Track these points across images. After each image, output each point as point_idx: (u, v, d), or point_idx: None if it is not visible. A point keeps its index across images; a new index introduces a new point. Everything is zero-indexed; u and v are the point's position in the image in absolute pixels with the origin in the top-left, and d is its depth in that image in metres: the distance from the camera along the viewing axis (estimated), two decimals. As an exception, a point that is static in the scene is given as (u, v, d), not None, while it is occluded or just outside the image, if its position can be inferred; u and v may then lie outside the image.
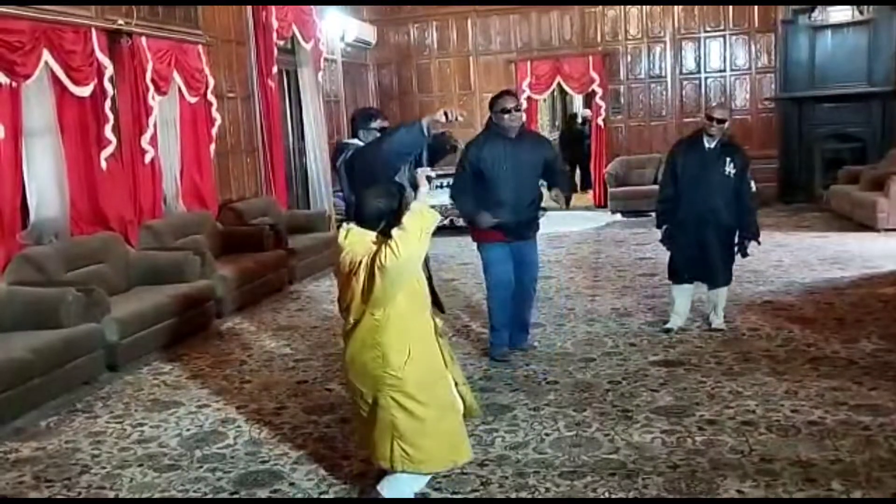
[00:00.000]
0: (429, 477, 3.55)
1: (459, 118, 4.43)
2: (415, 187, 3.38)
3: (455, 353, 5.55)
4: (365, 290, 3.21)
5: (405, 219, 3.25)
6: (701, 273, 5.84)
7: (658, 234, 6.08)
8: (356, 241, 3.33)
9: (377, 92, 13.73)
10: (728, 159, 5.62)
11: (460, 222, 10.74)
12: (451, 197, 5.55)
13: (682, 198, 5.74)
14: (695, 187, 5.65)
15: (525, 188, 5.30)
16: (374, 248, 3.21)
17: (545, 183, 5.57)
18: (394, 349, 3.27)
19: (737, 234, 5.79)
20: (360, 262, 3.22)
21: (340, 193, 11.38)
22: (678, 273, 5.92)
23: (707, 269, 5.78)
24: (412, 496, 3.51)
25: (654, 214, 6.34)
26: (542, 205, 5.54)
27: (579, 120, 16.16)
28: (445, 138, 4.97)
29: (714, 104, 5.94)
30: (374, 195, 3.44)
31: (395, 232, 3.20)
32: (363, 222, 3.40)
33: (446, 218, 9.55)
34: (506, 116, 5.20)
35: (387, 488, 3.45)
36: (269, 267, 8.04)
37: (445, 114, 4.30)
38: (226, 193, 8.94)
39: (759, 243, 5.88)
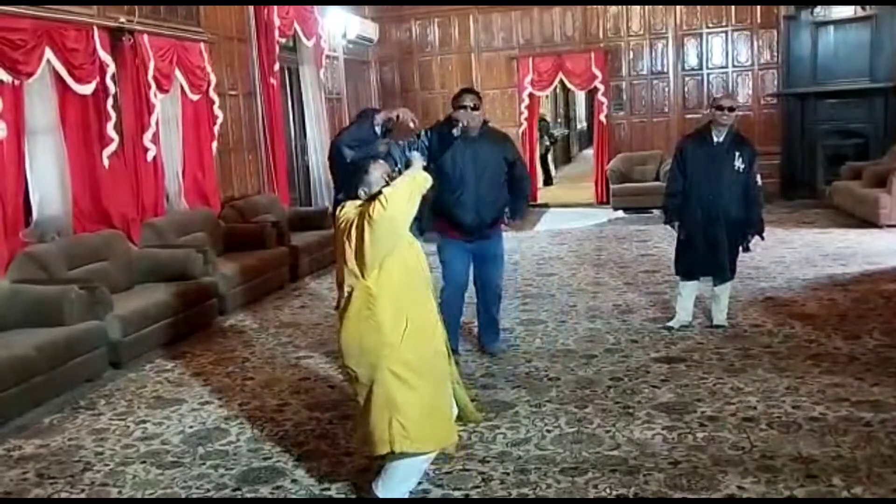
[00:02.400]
0: (421, 474, 3.56)
1: (410, 124, 4.45)
2: (407, 166, 3.43)
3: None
4: (357, 248, 3.21)
5: (397, 180, 3.30)
6: (710, 268, 5.83)
7: (661, 229, 6.06)
8: (346, 212, 3.36)
9: (379, 89, 13.73)
10: (737, 153, 5.61)
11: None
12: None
13: (690, 193, 5.73)
14: (704, 183, 5.64)
15: (486, 188, 5.16)
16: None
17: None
18: (389, 318, 3.26)
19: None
20: (352, 222, 3.24)
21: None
22: (686, 269, 5.92)
23: (716, 264, 5.78)
24: (407, 495, 3.51)
25: (657, 211, 6.34)
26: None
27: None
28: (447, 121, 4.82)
29: (719, 95, 5.92)
30: (354, 172, 3.53)
31: (385, 189, 3.24)
32: (349, 195, 3.48)
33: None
34: (461, 112, 4.98)
35: (381, 487, 3.45)
36: (271, 264, 8.05)
37: (398, 115, 4.38)
38: (228, 191, 8.96)
39: (762, 238, 5.88)
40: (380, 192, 3.23)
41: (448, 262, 5.38)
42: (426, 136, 4.87)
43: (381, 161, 3.54)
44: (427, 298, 3.48)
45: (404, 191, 3.23)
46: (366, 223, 3.16)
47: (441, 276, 5.43)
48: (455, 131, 4.76)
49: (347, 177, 3.65)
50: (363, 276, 3.25)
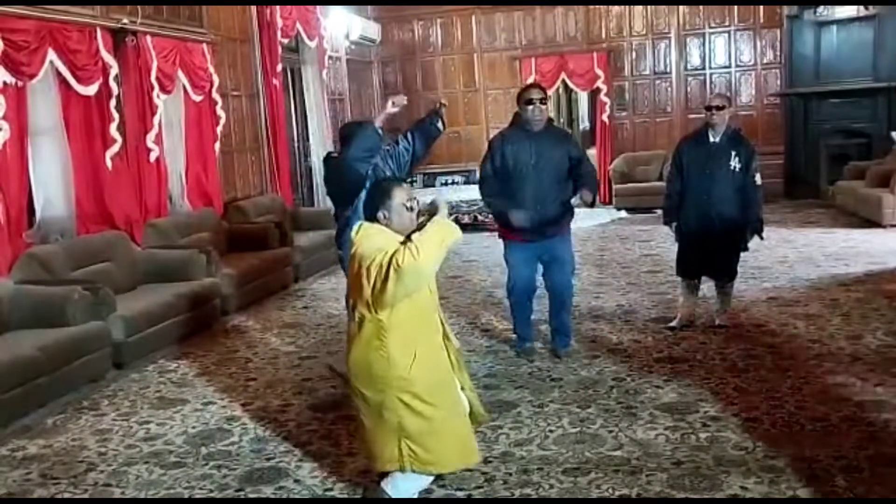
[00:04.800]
0: (432, 477, 3.56)
1: (403, 102, 4.51)
2: (432, 214, 3.38)
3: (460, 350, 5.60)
4: (375, 289, 3.17)
5: (428, 226, 3.25)
6: (706, 269, 5.83)
7: (664, 230, 6.06)
8: (365, 235, 3.31)
9: (381, 89, 13.72)
10: (733, 153, 5.58)
11: (465, 219, 10.83)
12: (482, 195, 5.36)
13: (687, 193, 5.72)
14: (700, 183, 5.63)
15: (548, 184, 5.12)
16: (390, 248, 3.17)
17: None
18: (399, 350, 3.26)
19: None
20: (373, 261, 3.17)
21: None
22: (684, 268, 5.92)
23: (712, 264, 5.77)
24: (415, 495, 3.52)
25: (660, 211, 6.33)
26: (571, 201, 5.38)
27: None
28: (430, 114, 4.79)
29: (711, 95, 5.93)
30: (372, 191, 3.50)
31: (415, 236, 3.20)
32: (367, 216, 3.44)
33: (451, 215, 9.56)
34: (529, 108, 5.10)
35: (391, 486, 3.45)
36: (274, 265, 8.06)
37: (392, 102, 4.42)
38: (231, 192, 8.96)
39: (762, 238, 5.85)
40: (409, 239, 3.20)
41: (513, 266, 5.34)
42: (406, 138, 4.84)
43: (405, 185, 3.49)
44: (435, 325, 3.47)
45: (436, 241, 3.19)
46: (392, 270, 3.10)
47: (508, 277, 5.45)
48: (440, 125, 4.77)
49: (366, 193, 3.57)
50: (376, 312, 3.24)
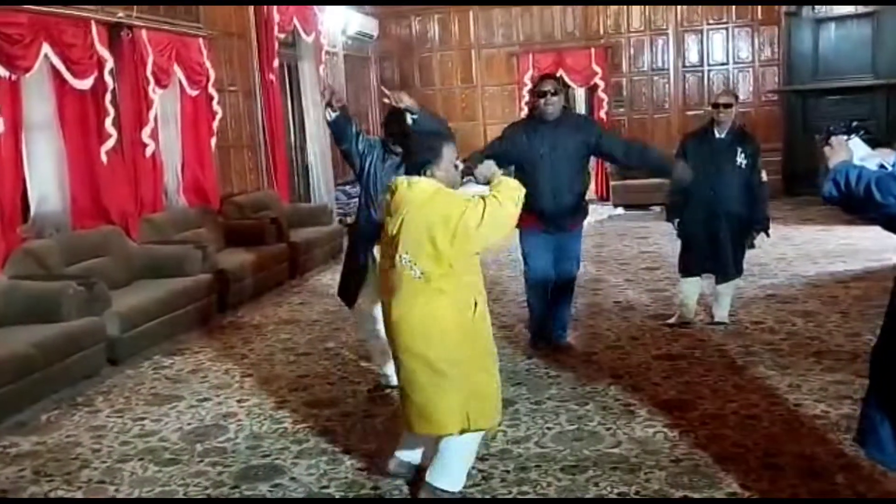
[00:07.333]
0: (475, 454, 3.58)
1: (401, 102, 4.33)
2: (486, 182, 3.39)
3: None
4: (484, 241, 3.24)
5: (498, 185, 3.32)
6: (711, 266, 5.80)
7: (661, 226, 6.04)
8: (440, 192, 3.25)
9: (379, 85, 13.68)
10: (739, 150, 5.56)
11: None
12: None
13: (692, 190, 5.69)
14: (706, 179, 5.58)
15: (564, 174, 5.11)
16: (463, 204, 3.19)
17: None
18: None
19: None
20: (477, 214, 3.16)
21: (342, 187, 11.44)
22: (688, 266, 5.89)
23: (718, 261, 5.74)
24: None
25: (657, 208, 6.30)
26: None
27: None
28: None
29: (718, 92, 5.89)
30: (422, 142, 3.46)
31: (495, 191, 3.26)
32: (415, 166, 3.34)
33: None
34: (541, 101, 5.10)
35: (447, 481, 3.42)
36: (270, 261, 8.02)
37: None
38: (227, 187, 8.92)
39: (768, 235, 5.83)
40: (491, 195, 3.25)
41: (531, 255, 5.32)
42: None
43: (453, 143, 3.45)
44: None
45: (515, 197, 3.30)
46: (488, 215, 3.17)
47: (526, 267, 5.41)
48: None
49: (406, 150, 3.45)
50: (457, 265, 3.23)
